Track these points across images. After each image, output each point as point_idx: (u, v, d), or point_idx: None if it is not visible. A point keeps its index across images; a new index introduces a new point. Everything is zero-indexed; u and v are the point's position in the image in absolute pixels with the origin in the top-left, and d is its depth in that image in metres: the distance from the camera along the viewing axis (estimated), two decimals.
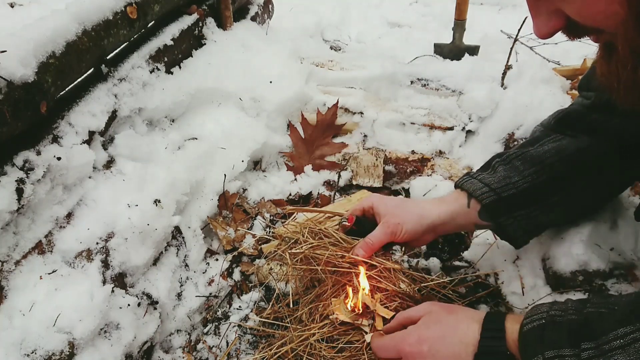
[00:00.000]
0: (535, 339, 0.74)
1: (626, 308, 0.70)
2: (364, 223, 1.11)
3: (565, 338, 0.71)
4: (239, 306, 1.24)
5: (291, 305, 1.14)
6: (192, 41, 1.66)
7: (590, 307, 0.75)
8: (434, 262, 1.33)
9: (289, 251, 1.10)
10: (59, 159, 1.05)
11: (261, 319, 1.18)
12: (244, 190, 1.55)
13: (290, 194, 1.55)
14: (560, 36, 0.74)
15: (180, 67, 1.58)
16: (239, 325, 1.19)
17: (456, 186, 1.13)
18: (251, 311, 1.22)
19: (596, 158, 1.01)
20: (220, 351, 1.14)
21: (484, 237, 1.32)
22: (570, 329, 0.72)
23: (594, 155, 1.01)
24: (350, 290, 1.05)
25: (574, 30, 0.69)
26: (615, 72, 0.68)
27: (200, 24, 1.70)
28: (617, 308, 0.72)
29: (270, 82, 1.71)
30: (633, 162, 1.00)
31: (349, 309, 1.05)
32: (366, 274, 1.04)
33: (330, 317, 1.06)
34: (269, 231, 1.43)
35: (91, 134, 1.19)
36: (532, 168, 1.04)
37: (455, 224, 1.09)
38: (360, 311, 1.04)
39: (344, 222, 1.11)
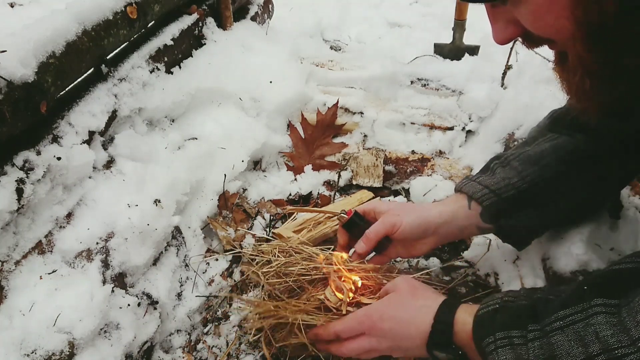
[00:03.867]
0: (488, 322, 0.80)
1: (570, 293, 0.75)
2: (362, 219, 1.12)
3: (515, 321, 0.76)
4: (239, 306, 1.24)
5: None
6: (192, 41, 1.66)
7: (539, 294, 0.80)
8: (434, 262, 1.33)
9: (261, 270, 1.12)
10: (59, 159, 1.05)
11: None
12: (244, 190, 1.55)
13: (290, 194, 1.55)
14: None
15: (180, 67, 1.58)
16: (239, 326, 1.19)
17: (456, 190, 1.13)
18: (250, 311, 1.22)
19: (593, 155, 1.02)
20: (220, 351, 1.14)
21: (483, 237, 1.32)
22: (519, 313, 0.77)
23: (591, 152, 1.02)
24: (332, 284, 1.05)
25: (530, 39, 0.74)
26: (567, 80, 0.73)
27: (200, 24, 1.70)
28: (565, 293, 0.77)
29: (270, 82, 1.71)
30: (630, 157, 1.00)
31: (336, 295, 1.04)
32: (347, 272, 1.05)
33: (319, 297, 1.05)
34: (269, 231, 1.43)
35: (91, 134, 1.19)
36: (531, 168, 1.04)
37: (457, 226, 1.08)
38: (350, 297, 1.03)
39: (342, 215, 1.12)
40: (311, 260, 1.11)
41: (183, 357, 1.13)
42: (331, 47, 2.44)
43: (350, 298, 1.04)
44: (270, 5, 2.26)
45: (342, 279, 1.05)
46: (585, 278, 0.80)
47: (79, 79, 1.24)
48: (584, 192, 1.03)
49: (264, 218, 1.48)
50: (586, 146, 1.02)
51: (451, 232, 1.10)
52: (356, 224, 1.12)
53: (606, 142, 1.00)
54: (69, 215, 1.09)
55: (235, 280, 1.31)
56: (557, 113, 1.12)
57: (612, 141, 1.00)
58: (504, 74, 1.73)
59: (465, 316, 0.85)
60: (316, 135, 1.70)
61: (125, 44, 1.41)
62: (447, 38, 2.31)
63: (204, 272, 1.30)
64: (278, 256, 1.14)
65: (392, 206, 1.12)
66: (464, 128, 1.68)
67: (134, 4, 1.34)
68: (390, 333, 0.91)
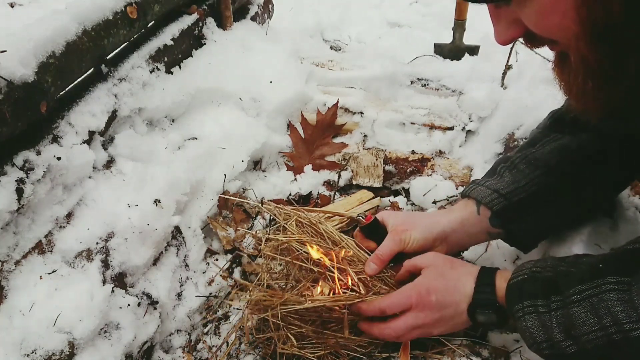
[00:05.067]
0: (517, 290, 0.88)
1: (588, 268, 0.82)
2: (379, 226, 1.11)
3: (540, 291, 0.84)
4: (239, 306, 1.24)
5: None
6: (192, 41, 1.66)
7: (563, 266, 0.86)
8: None
9: (267, 235, 1.13)
10: (59, 159, 1.05)
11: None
12: (244, 190, 1.55)
13: (290, 194, 1.55)
14: None
15: (180, 67, 1.57)
16: (239, 326, 1.19)
17: (463, 195, 1.12)
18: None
19: (598, 151, 1.02)
20: (220, 351, 1.14)
21: None
22: (544, 284, 0.85)
23: (596, 149, 1.02)
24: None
25: (532, 40, 0.75)
26: (568, 81, 0.74)
27: (200, 24, 1.70)
28: (584, 267, 0.83)
29: (270, 82, 1.71)
30: (630, 158, 1.00)
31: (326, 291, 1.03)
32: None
33: (305, 294, 1.04)
34: (269, 231, 1.42)
35: (91, 134, 1.19)
36: (538, 170, 1.04)
37: (467, 233, 1.08)
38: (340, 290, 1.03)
39: (360, 217, 1.12)
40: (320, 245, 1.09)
41: (183, 357, 1.13)
42: (331, 47, 2.44)
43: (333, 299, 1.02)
44: (270, 5, 2.26)
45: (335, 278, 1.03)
46: (602, 256, 0.85)
47: (79, 79, 1.24)
48: (591, 189, 1.04)
49: (264, 218, 1.48)
50: (590, 145, 1.02)
51: (460, 239, 1.10)
52: (375, 230, 1.11)
53: (608, 141, 1.00)
54: (69, 215, 1.09)
55: (235, 280, 1.31)
56: (558, 113, 1.12)
57: (613, 141, 1.00)
58: (504, 74, 1.73)
59: (501, 281, 0.92)
60: (316, 135, 1.69)
61: (125, 44, 1.41)
62: (447, 38, 2.31)
63: (203, 272, 1.30)
64: (291, 226, 1.12)
65: (400, 219, 1.11)
66: (464, 128, 1.68)
67: (134, 4, 1.34)
68: (437, 304, 0.95)
